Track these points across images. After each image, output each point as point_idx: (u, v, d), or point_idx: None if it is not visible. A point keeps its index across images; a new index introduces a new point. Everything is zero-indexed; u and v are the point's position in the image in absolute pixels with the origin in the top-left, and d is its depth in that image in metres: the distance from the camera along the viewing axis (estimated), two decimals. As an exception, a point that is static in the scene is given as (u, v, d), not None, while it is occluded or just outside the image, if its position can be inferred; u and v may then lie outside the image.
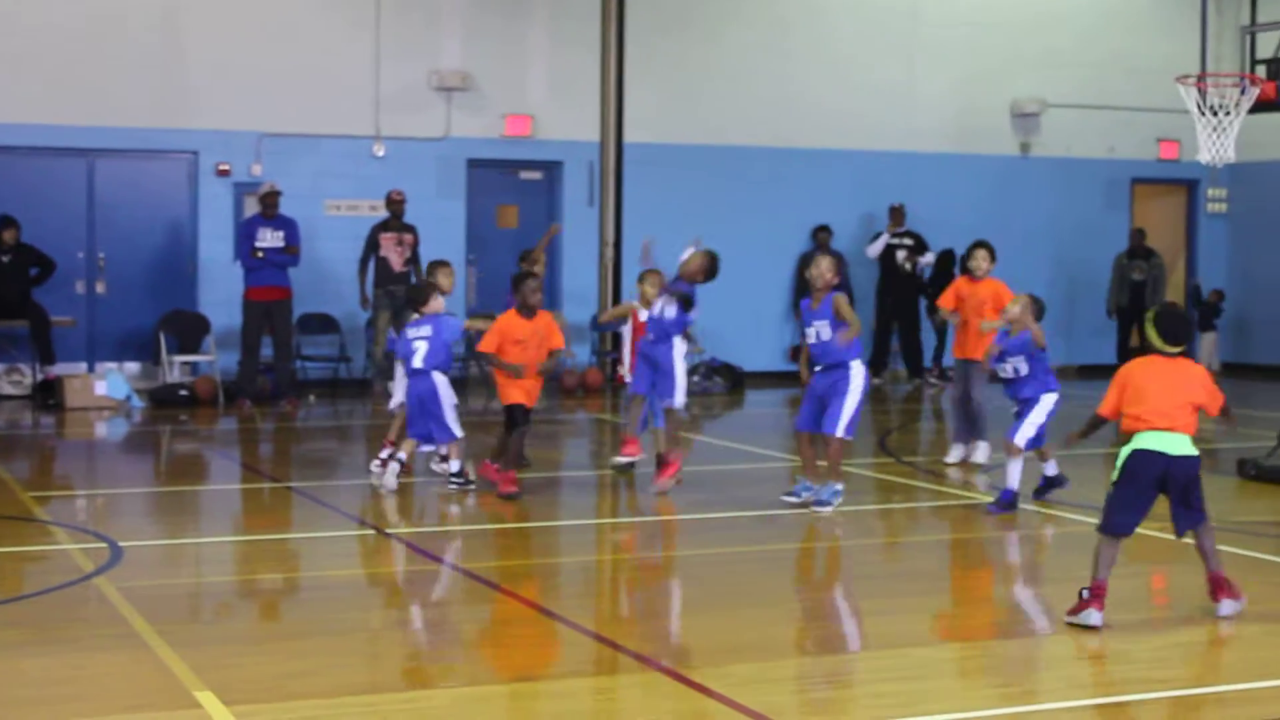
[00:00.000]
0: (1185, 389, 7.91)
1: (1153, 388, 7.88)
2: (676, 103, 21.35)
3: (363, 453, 14.79)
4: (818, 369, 11.21)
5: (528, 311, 11.81)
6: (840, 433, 11.07)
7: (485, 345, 11.83)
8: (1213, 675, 7.41)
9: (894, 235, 21.80)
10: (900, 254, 21.72)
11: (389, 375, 19.18)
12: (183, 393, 18.17)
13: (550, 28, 20.85)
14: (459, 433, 11.99)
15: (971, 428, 13.61)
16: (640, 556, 10.31)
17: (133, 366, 19.39)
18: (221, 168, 19.49)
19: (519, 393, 11.75)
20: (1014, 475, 11.11)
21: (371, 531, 10.74)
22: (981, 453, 13.52)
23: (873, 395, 20.59)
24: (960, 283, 13.72)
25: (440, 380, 11.96)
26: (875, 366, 21.90)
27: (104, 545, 9.78)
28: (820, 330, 11.11)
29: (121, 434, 16.45)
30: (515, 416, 11.76)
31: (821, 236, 21.64)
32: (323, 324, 19.54)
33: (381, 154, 20.10)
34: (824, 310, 11.13)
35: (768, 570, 9.55)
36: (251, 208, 18.95)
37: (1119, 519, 7.95)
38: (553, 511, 11.43)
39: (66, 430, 16.36)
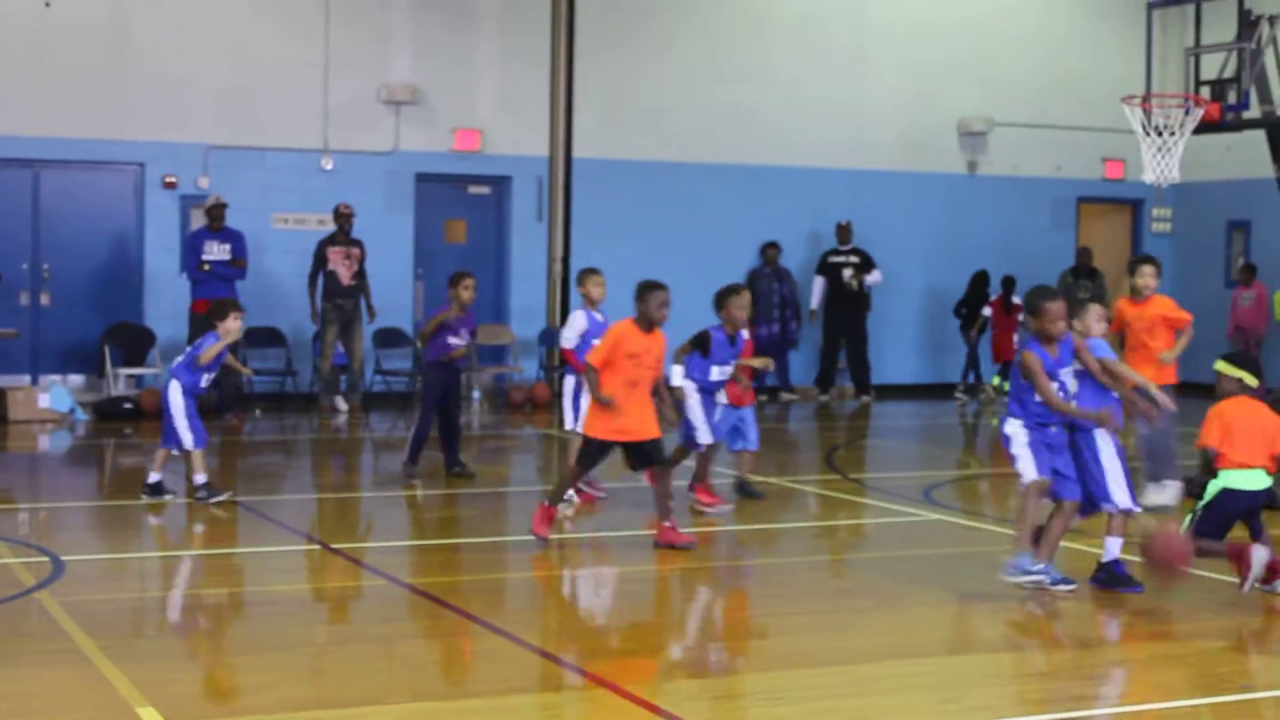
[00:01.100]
0: (1266, 432, 8.89)
1: (1239, 428, 8.86)
2: (625, 119, 21.37)
3: (308, 467, 14.74)
4: (1052, 429, 9.08)
5: (646, 324, 10.43)
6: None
7: (594, 356, 10.38)
8: (1159, 693, 7.44)
9: (840, 253, 21.89)
10: (846, 271, 21.79)
11: (335, 389, 19.17)
12: (127, 406, 18.04)
13: (499, 43, 20.85)
14: (189, 444, 11.99)
15: (1162, 466, 12.22)
16: (587, 572, 10.29)
17: (77, 379, 19.23)
18: (168, 180, 19.37)
19: (609, 424, 10.35)
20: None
21: (317, 546, 10.69)
22: (1171, 493, 12.15)
23: (820, 412, 20.66)
24: (1124, 304, 12.23)
25: (174, 389, 12.03)
26: (823, 383, 21.99)
27: (46, 559, 9.70)
28: (1068, 381, 9.13)
29: (65, 447, 16.32)
30: (593, 451, 10.51)
31: (770, 253, 21.70)
32: (269, 337, 19.43)
33: (330, 167, 20.03)
34: (1066, 356, 9.13)
35: (714, 587, 9.55)
36: (198, 220, 18.85)
37: (1210, 540, 8.90)
38: (499, 527, 11.40)
39: (9, 443, 16.21)
